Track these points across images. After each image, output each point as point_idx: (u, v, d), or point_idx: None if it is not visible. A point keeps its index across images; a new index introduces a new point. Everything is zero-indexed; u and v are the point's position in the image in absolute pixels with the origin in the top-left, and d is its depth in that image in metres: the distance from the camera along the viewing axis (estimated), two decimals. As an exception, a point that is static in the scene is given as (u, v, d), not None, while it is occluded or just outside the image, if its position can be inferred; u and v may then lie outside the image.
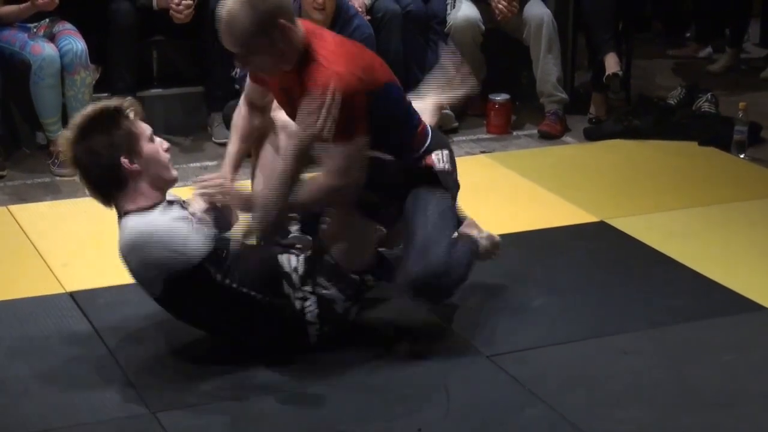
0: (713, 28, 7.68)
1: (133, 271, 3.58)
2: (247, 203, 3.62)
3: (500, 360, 3.72)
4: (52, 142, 5.58)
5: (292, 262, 3.69)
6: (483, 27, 6.18)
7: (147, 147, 3.59)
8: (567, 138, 6.18)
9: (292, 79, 3.60)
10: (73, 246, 4.58)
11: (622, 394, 3.55)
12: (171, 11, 5.69)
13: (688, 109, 6.22)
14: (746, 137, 5.79)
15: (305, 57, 3.56)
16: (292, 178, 3.52)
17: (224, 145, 4.09)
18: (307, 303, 3.65)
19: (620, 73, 6.28)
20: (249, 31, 3.47)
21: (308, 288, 3.66)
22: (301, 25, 3.62)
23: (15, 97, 5.69)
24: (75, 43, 5.54)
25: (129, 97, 3.76)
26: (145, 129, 3.63)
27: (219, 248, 3.55)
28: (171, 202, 3.65)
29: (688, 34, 8.03)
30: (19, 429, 3.35)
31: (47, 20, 5.63)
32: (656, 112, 6.12)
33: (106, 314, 3.97)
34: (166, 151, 3.66)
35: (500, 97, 6.23)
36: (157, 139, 3.67)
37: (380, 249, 3.86)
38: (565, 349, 3.83)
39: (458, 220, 3.94)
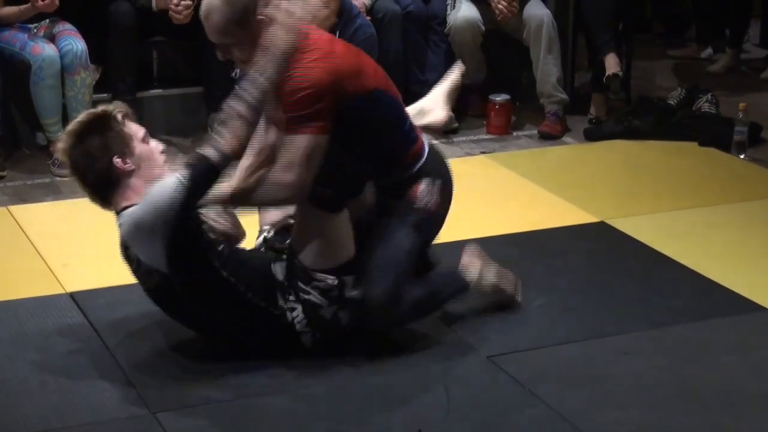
0: (713, 28, 7.68)
1: (139, 255, 3.56)
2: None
3: (500, 360, 3.72)
4: (52, 142, 5.58)
5: (284, 271, 3.66)
6: (483, 27, 6.18)
7: (140, 147, 3.66)
8: (567, 138, 6.18)
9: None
10: (73, 246, 4.59)
11: (622, 394, 3.55)
12: (170, 12, 5.70)
13: (688, 109, 6.22)
14: (746, 138, 5.79)
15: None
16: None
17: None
18: (294, 313, 3.63)
19: (620, 73, 6.29)
20: (225, 20, 3.55)
21: (292, 297, 3.63)
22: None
23: (15, 98, 5.69)
24: (75, 43, 5.54)
25: (119, 102, 3.80)
26: (138, 130, 3.68)
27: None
28: None
29: (688, 35, 8.04)
30: (19, 429, 3.34)
31: (47, 21, 5.63)
32: (656, 112, 6.12)
33: (106, 314, 3.97)
34: (162, 152, 3.70)
35: (500, 98, 6.23)
36: (153, 141, 3.71)
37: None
38: (565, 350, 3.82)
39: (423, 258, 3.83)
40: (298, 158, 3.50)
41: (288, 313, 3.63)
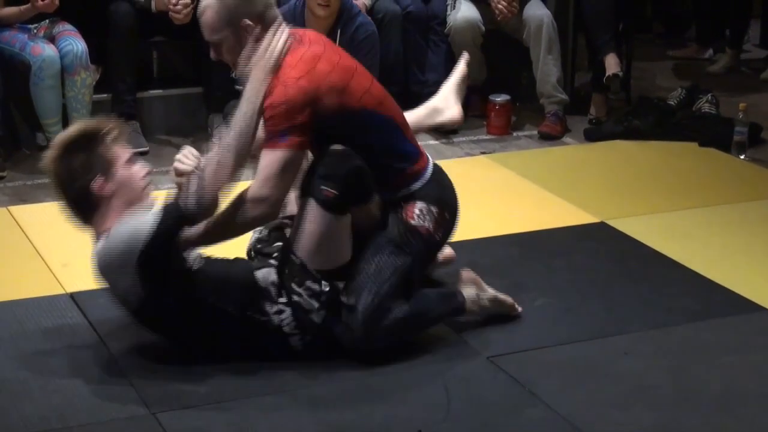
0: (713, 29, 7.68)
1: (112, 285, 3.60)
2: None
3: (500, 360, 3.72)
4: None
5: (270, 276, 3.64)
6: (483, 28, 6.19)
7: (122, 171, 3.61)
8: (567, 139, 6.18)
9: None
10: (73, 246, 4.56)
11: (622, 394, 3.55)
12: (170, 12, 5.70)
13: (688, 109, 6.22)
14: (746, 138, 5.79)
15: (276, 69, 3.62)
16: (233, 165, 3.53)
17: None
18: (283, 316, 3.62)
19: (620, 73, 6.29)
20: (216, 17, 3.65)
21: (283, 299, 3.62)
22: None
23: (15, 98, 5.69)
24: (75, 44, 5.54)
25: (115, 118, 3.79)
26: (123, 153, 3.63)
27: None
28: None
29: (688, 35, 8.04)
30: (19, 429, 3.34)
31: (47, 21, 5.64)
32: (656, 112, 6.11)
33: (106, 314, 3.96)
34: (144, 177, 3.67)
35: (500, 98, 6.23)
36: (137, 165, 3.67)
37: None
38: (565, 350, 3.82)
39: (409, 280, 3.76)
40: (273, 173, 3.54)
41: (275, 316, 3.62)
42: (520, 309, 3.99)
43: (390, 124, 3.74)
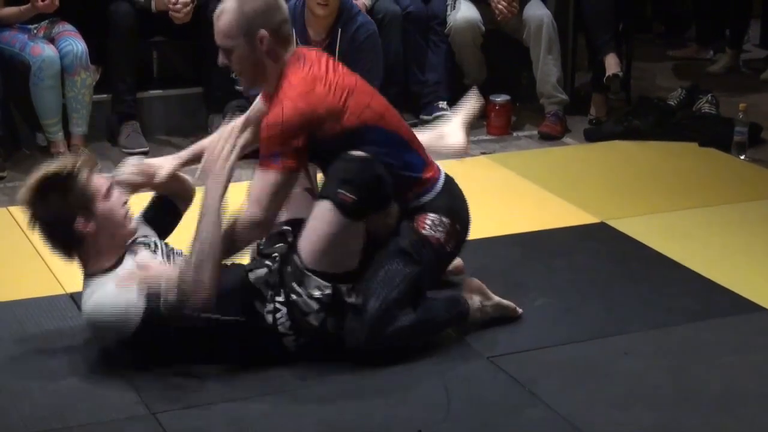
0: (713, 29, 7.68)
1: (97, 338, 3.67)
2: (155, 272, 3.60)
3: (500, 361, 3.72)
4: (52, 143, 5.59)
5: (263, 276, 3.64)
6: (483, 28, 6.19)
7: (102, 206, 3.60)
8: (567, 139, 6.18)
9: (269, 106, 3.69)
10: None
11: (622, 394, 3.55)
12: (170, 12, 5.70)
13: (688, 110, 6.22)
14: (746, 138, 5.79)
15: (278, 86, 3.64)
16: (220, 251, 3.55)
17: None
18: (278, 315, 3.62)
19: (620, 73, 6.29)
20: (232, 23, 3.63)
21: (280, 298, 3.62)
22: (291, 51, 3.68)
23: (15, 98, 5.69)
24: (75, 44, 5.55)
25: (84, 152, 3.80)
26: (101, 186, 3.62)
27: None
28: (143, 244, 3.72)
29: (688, 35, 8.04)
30: (19, 430, 3.34)
31: (47, 21, 5.64)
32: (656, 113, 6.12)
33: (106, 315, 3.97)
34: (125, 204, 3.67)
35: (500, 98, 6.23)
36: (115, 193, 3.66)
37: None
38: (565, 350, 3.82)
39: (418, 289, 3.77)
40: (265, 194, 3.56)
41: (268, 315, 3.62)
42: (521, 311, 3.99)
43: (393, 137, 3.74)
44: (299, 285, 3.61)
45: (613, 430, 3.37)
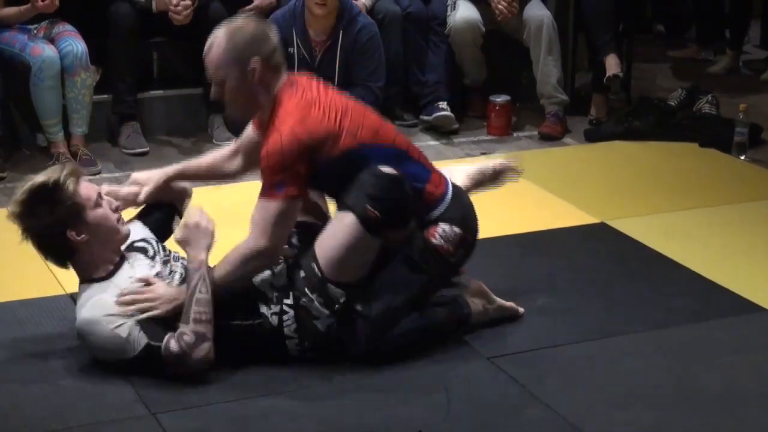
0: (714, 29, 7.68)
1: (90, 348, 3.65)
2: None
3: (500, 361, 3.72)
4: (52, 143, 5.59)
5: (268, 279, 3.64)
6: (483, 28, 6.19)
7: (93, 215, 3.58)
8: (567, 139, 6.18)
9: (264, 134, 3.67)
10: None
11: (622, 395, 3.54)
12: (170, 13, 5.70)
13: (688, 110, 6.22)
14: (747, 139, 5.79)
15: (272, 113, 3.63)
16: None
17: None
18: (285, 317, 3.62)
19: (621, 74, 6.29)
20: (222, 54, 3.61)
21: (289, 301, 3.62)
22: (283, 78, 3.67)
23: (15, 99, 5.69)
24: (75, 44, 5.55)
25: (69, 163, 3.78)
26: (90, 195, 3.59)
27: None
28: (140, 249, 3.71)
29: (688, 36, 8.04)
30: (19, 430, 3.34)
31: (47, 22, 5.64)
32: (657, 113, 6.12)
33: (106, 315, 3.97)
34: (116, 210, 3.66)
35: (501, 99, 6.23)
36: (105, 199, 3.64)
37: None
38: (566, 350, 3.82)
39: (423, 297, 3.78)
40: (270, 224, 3.55)
41: (273, 317, 3.62)
42: (521, 311, 3.99)
43: (391, 152, 3.72)
44: (312, 291, 3.61)
45: (613, 430, 3.37)
